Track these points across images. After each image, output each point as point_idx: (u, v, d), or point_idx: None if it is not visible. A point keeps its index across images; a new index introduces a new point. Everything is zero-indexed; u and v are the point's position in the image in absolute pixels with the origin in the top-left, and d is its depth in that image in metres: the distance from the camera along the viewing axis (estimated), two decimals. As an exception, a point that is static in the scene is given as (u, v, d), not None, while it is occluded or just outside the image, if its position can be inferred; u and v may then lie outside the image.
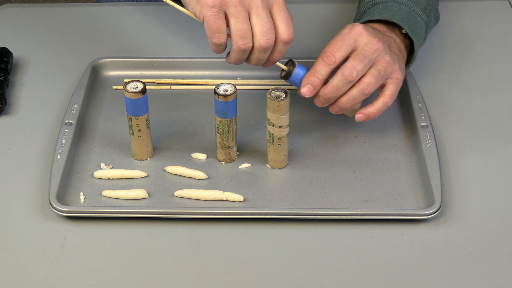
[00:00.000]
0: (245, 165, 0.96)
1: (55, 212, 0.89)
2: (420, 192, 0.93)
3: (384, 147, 0.99)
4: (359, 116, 0.95)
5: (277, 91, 0.91)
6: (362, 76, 0.93)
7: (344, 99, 0.94)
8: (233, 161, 0.97)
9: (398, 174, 0.95)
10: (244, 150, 0.98)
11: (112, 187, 0.93)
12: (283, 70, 0.94)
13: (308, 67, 0.94)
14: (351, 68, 0.92)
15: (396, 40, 1.00)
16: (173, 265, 0.85)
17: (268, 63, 0.93)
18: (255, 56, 0.90)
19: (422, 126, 0.99)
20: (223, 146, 0.95)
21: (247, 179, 0.95)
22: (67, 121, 1.00)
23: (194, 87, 1.09)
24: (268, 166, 0.96)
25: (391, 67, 0.94)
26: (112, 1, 1.32)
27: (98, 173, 0.95)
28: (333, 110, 0.96)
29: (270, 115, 0.91)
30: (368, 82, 0.93)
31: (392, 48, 0.97)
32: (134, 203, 0.92)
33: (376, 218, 0.89)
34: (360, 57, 0.92)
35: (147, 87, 0.94)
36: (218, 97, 0.91)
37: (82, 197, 0.92)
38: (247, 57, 0.91)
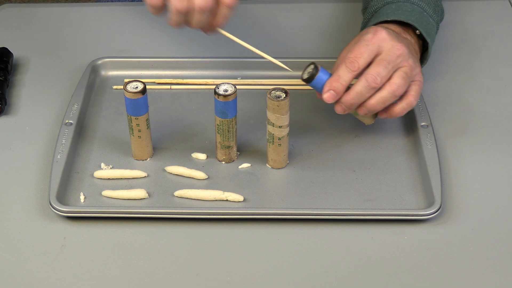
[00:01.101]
0: (245, 165, 0.96)
1: (55, 212, 0.89)
2: (420, 192, 0.93)
3: (384, 147, 0.99)
4: (382, 114, 0.95)
5: (277, 91, 0.91)
6: (390, 78, 0.92)
7: (373, 101, 0.93)
8: (233, 161, 0.97)
9: (398, 174, 0.95)
10: (244, 150, 0.98)
11: (112, 187, 0.93)
12: (305, 72, 0.93)
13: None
14: (375, 75, 0.91)
15: (411, 41, 1.00)
16: (173, 265, 0.85)
17: (211, 28, 0.91)
18: (195, 18, 0.88)
19: (422, 126, 0.99)
20: (223, 146, 0.95)
21: (247, 179, 0.95)
22: (67, 121, 1.00)
23: (194, 87, 1.09)
24: (268, 166, 0.96)
25: (414, 70, 0.94)
26: (112, 1, 1.32)
27: (98, 173, 0.95)
28: (362, 111, 0.94)
29: (270, 115, 0.91)
30: (398, 83, 0.92)
31: (411, 51, 0.96)
32: (134, 203, 0.92)
33: (376, 218, 0.89)
34: (384, 63, 0.92)
35: (147, 87, 0.94)
36: (218, 97, 0.91)
37: (82, 197, 0.92)
38: (189, 21, 0.90)
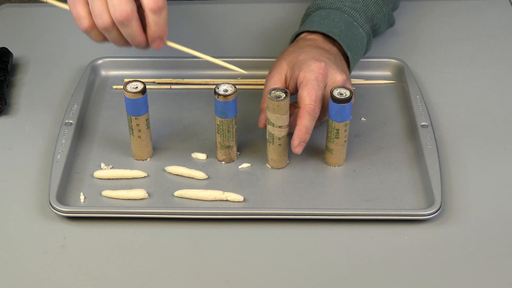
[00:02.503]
0: (245, 165, 0.96)
1: (55, 212, 0.89)
2: (420, 192, 0.93)
3: (384, 147, 0.99)
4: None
5: (277, 91, 0.90)
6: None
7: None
8: (233, 161, 0.97)
9: (398, 174, 0.95)
10: (244, 150, 0.98)
11: (112, 187, 0.93)
12: (345, 92, 0.91)
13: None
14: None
15: (335, 52, 1.00)
16: (173, 265, 0.85)
17: (153, 40, 0.88)
18: (124, 32, 0.87)
19: (422, 126, 0.99)
20: (223, 146, 0.95)
21: (247, 179, 0.95)
22: (67, 121, 1.00)
23: (194, 87, 1.09)
24: (268, 166, 0.96)
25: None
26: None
27: (98, 173, 0.95)
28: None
29: (270, 115, 0.91)
30: None
31: (344, 68, 0.97)
32: (134, 203, 0.92)
33: (376, 218, 0.89)
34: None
35: (147, 87, 0.94)
36: (218, 97, 0.91)
37: (82, 197, 0.92)
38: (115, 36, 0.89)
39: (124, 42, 0.89)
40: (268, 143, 0.94)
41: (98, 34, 0.89)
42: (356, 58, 1.02)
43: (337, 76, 0.94)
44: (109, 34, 0.88)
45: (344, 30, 1.01)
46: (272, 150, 0.94)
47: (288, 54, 0.97)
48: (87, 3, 0.87)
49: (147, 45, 0.89)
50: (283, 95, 0.90)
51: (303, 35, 1.03)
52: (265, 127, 0.94)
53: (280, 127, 0.92)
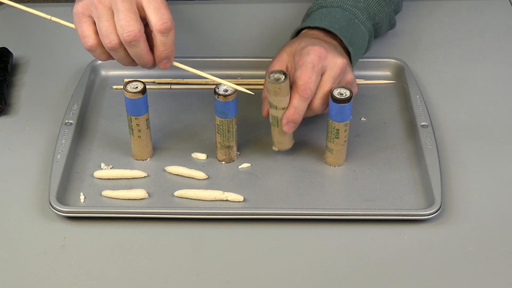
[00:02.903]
0: (245, 165, 0.96)
1: (55, 212, 0.89)
2: (420, 192, 0.93)
3: (384, 147, 0.99)
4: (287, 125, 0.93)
5: (275, 73, 0.90)
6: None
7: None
8: (233, 161, 0.97)
9: (398, 174, 0.95)
10: (244, 150, 0.98)
11: (112, 187, 0.93)
12: (346, 92, 0.91)
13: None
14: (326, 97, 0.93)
15: (338, 46, 1.00)
16: (173, 265, 0.85)
17: (160, 60, 0.89)
18: (131, 52, 0.88)
19: (422, 126, 0.99)
20: (223, 146, 0.95)
21: (247, 179, 0.95)
22: (67, 121, 1.00)
23: (194, 87, 1.09)
24: (275, 149, 0.96)
25: (352, 81, 0.95)
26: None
27: (98, 173, 0.95)
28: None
29: (272, 99, 0.90)
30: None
31: (343, 55, 0.96)
32: (134, 203, 0.92)
33: (376, 218, 0.89)
34: (332, 81, 0.92)
35: (147, 87, 0.94)
36: (218, 97, 0.91)
37: (82, 197, 0.92)
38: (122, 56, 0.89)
39: (131, 61, 0.90)
40: (272, 127, 0.93)
41: (103, 52, 0.89)
42: (357, 54, 1.02)
43: (337, 59, 0.93)
44: (116, 54, 0.89)
45: (345, 26, 1.01)
46: (278, 133, 0.94)
47: (289, 45, 0.97)
48: (93, 23, 0.88)
49: (154, 65, 0.90)
50: (282, 77, 0.89)
51: (304, 31, 1.02)
52: (268, 114, 0.94)
53: (283, 108, 0.91)
